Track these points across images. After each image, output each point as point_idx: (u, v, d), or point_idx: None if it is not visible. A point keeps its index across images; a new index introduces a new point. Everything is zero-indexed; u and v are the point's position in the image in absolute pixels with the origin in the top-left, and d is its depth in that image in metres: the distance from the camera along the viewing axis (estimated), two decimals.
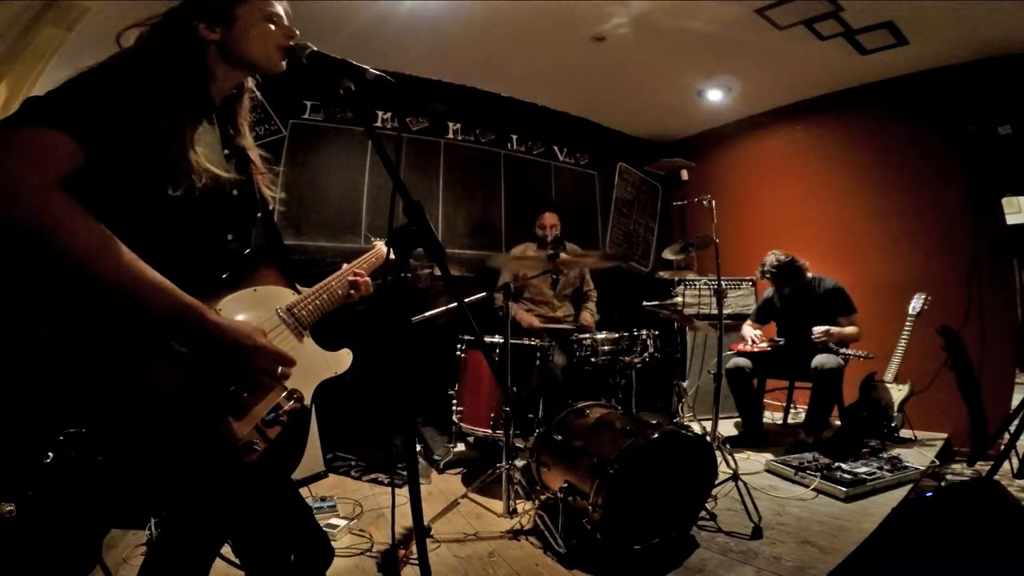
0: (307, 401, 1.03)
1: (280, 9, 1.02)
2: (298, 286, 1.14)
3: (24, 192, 0.70)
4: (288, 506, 1.02)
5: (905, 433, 3.16)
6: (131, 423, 0.76)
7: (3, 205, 0.69)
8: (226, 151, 1.01)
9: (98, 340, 0.75)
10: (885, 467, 2.55)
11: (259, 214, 1.10)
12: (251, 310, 0.98)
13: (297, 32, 1.02)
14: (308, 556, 1.01)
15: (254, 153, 1.08)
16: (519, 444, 2.51)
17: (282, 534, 0.98)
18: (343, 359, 1.19)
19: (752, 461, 2.88)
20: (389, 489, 2.53)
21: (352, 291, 1.24)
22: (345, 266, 1.28)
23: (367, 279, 1.28)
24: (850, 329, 3.08)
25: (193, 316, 0.80)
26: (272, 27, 0.99)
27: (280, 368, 0.89)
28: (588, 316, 3.40)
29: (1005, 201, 3.36)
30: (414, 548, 1.63)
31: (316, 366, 1.12)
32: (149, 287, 0.76)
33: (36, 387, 0.73)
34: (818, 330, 3.03)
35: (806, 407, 3.20)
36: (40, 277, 0.75)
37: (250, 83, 1.08)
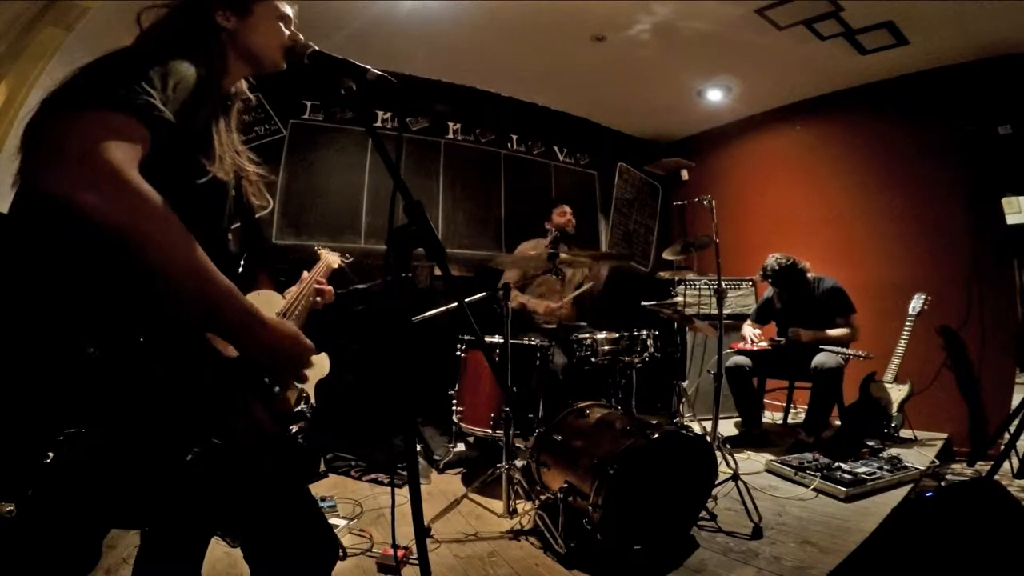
0: (312, 401, 1.06)
1: (291, 12, 1.03)
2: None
3: (113, 181, 0.64)
4: (302, 504, 1.03)
5: (905, 433, 3.16)
6: (174, 424, 0.76)
7: (88, 194, 0.62)
8: None
9: (142, 340, 0.74)
10: (885, 467, 2.55)
11: (241, 222, 1.11)
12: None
13: (301, 37, 1.04)
14: (318, 556, 1.01)
15: (246, 156, 1.08)
16: (519, 444, 2.51)
17: (298, 532, 0.98)
18: (324, 363, 1.27)
19: (752, 461, 2.88)
20: (389, 489, 2.53)
21: (318, 298, 1.30)
22: (306, 274, 1.35)
23: (330, 288, 1.35)
24: (835, 332, 3.09)
25: (255, 319, 0.80)
26: (282, 27, 1.01)
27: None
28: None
29: (1005, 201, 3.36)
30: (414, 548, 1.64)
31: (312, 369, 1.16)
32: (223, 291, 0.75)
33: (49, 386, 0.72)
34: (803, 333, 3.05)
35: (806, 407, 3.20)
36: (81, 273, 0.71)
37: (244, 86, 1.08)
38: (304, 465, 0.97)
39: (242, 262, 1.03)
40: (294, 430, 0.91)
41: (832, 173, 4.08)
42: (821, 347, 3.01)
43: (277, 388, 0.91)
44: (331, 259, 1.62)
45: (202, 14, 0.93)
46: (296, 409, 0.95)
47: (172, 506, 0.84)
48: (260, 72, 1.05)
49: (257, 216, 1.15)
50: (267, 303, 1.06)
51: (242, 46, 0.98)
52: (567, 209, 3.52)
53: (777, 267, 3.17)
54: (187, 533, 1.04)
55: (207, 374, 0.80)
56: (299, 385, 1.01)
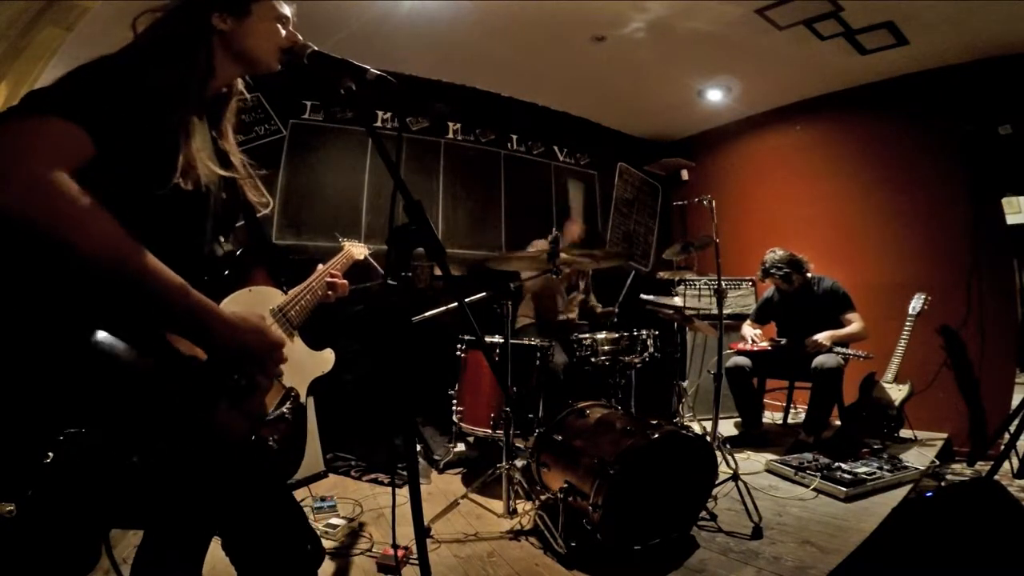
0: (302, 399, 1.05)
1: (289, 12, 1.03)
2: (284, 288, 1.16)
3: (33, 183, 0.67)
4: (281, 505, 1.03)
5: (905, 433, 3.16)
6: (143, 423, 0.76)
7: (10, 197, 0.65)
8: (215, 151, 1.02)
9: (103, 339, 0.74)
10: (885, 467, 2.55)
11: (243, 219, 1.10)
12: (247, 310, 0.98)
13: (300, 37, 1.03)
14: (300, 556, 1.01)
15: (236, 158, 1.07)
16: (519, 444, 2.51)
17: (276, 533, 0.98)
18: (328, 358, 1.23)
19: (752, 461, 2.88)
20: (389, 489, 2.53)
21: (330, 292, 1.27)
22: (320, 266, 1.32)
23: (344, 281, 1.32)
24: (852, 328, 3.07)
25: (209, 314, 0.80)
26: (279, 28, 1.00)
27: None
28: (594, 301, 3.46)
29: (1005, 201, 3.36)
30: (414, 548, 1.64)
31: (306, 365, 1.15)
32: (166, 286, 0.75)
33: (39, 386, 0.72)
34: (820, 337, 3.00)
35: (806, 407, 3.20)
36: (40, 272, 0.73)
37: (240, 85, 1.07)
38: (280, 467, 0.96)
39: (232, 262, 1.03)
40: (271, 434, 0.89)
41: (832, 173, 4.08)
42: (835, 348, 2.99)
43: (244, 382, 0.89)
44: (355, 251, 1.53)
45: (198, 17, 0.92)
46: (278, 411, 0.94)
47: (127, 506, 0.84)
48: (253, 73, 1.05)
49: (259, 214, 1.14)
50: (260, 299, 1.04)
51: (236, 48, 0.97)
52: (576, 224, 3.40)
53: (777, 259, 3.18)
54: (185, 534, 1.03)
55: (161, 372, 0.79)
56: (284, 384, 1.00)
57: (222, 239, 1.02)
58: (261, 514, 0.96)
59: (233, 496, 0.90)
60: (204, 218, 0.93)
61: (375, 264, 1.77)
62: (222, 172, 0.95)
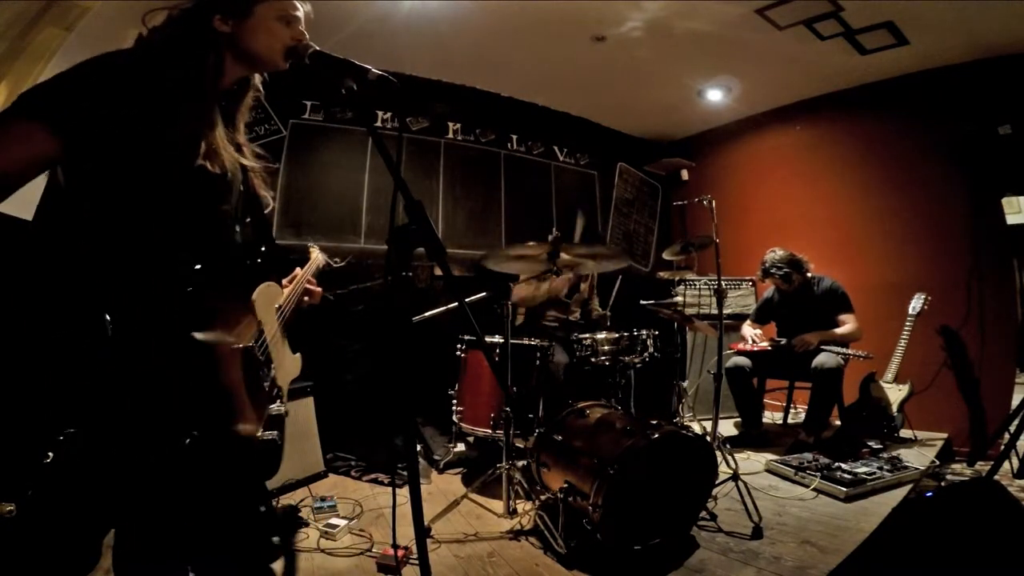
0: (284, 400, 1.08)
1: (299, 12, 1.03)
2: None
3: None
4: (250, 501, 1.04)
5: (905, 433, 3.16)
6: (147, 423, 0.76)
7: None
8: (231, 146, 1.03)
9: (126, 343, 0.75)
10: (885, 467, 2.55)
11: (252, 215, 1.11)
12: (267, 304, 1.03)
13: (307, 35, 1.04)
14: (255, 554, 1.03)
15: (248, 150, 1.09)
16: (519, 444, 2.51)
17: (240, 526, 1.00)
18: (298, 362, 1.27)
19: (752, 461, 2.88)
20: (389, 489, 2.53)
21: (306, 298, 1.31)
22: (299, 270, 1.35)
23: (319, 289, 1.36)
24: (842, 329, 3.07)
25: None
26: (283, 27, 1.01)
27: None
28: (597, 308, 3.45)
29: (1005, 201, 3.36)
30: (414, 548, 1.64)
31: (291, 367, 1.19)
32: None
33: (40, 386, 0.73)
34: (808, 336, 3.02)
35: (806, 407, 3.20)
36: (43, 274, 0.74)
37: (256, 80, 1.09)
38: (267, 464, 0.97)
39: (253, 254, 1.05)
40: (271, 431, 0.90)
41: (832, 173, 4.08)
42: (823, 347, 3.00)
43: (270, 387, 0.90)
44: (320, 259, 1.58)
45: (201, 20, 0.94)
46: (279, 410, 0.95)
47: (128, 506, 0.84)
48: (259, 71, 1.06)
49: (267, 209, 1.16)
50: (272, 294, 1.09)
51: (241, 48, 0.98)
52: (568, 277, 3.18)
53: (777, 259, 3.18)
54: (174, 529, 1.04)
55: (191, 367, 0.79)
56: (279, 384, 1.03)
57: (238, 228, 1.04)
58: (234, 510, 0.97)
59: (225, 491, 0.90)
60: (229, 203, 0.97)
61: (332, 271, 1.81)
62: (243, 161, 0.98)
